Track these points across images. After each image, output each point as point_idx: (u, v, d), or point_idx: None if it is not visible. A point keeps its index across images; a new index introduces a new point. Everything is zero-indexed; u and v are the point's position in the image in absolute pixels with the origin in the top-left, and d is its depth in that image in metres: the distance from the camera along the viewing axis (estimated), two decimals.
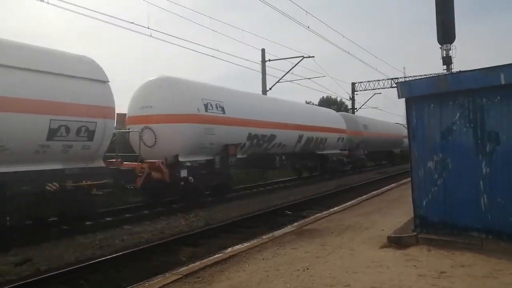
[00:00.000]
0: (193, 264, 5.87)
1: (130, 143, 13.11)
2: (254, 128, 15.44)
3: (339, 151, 24.66)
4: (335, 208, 10.43)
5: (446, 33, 28.82)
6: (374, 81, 40.90)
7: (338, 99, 57.25)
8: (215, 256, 6.19)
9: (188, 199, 13.19)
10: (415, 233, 6.47)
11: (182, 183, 12.74)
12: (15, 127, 8.06)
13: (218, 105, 13.58)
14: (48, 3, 14.12)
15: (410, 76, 37.84)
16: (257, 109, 15.86)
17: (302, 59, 27.57)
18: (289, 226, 8.40)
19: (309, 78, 30.87)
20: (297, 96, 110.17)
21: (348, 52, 41.30)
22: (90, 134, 9.50)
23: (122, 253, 7.61)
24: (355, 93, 42.64)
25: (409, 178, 6.92)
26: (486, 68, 5.94)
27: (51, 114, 8.60)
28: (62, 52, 9.60)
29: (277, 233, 7.74)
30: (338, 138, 24.03)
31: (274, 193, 16.88)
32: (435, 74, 29.60)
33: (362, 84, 41.70)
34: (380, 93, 43.16)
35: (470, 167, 6.07)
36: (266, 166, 18.61)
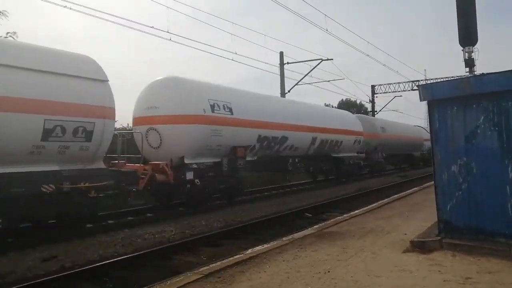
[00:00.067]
0: (214, 264, 5.91)
1: (136, 144, 12.78)
2: (264, 129, 14.89)
3: (356, 154, 23.91)
4: (356, 211, 10.34)
5: (468, 35, 27.82)
6: (394, 83, 40.49)
7: (358, 101, 56.73)
8: (235, 257, 6.21)
9: (194, 202, 12.74)
10: (439, 238, 6.36)
11: (189, 186, 12.31)
12: (7, 127, 7.73)
13: (225, 106, 13.10)
14: (70, 8, 13.89)
15: (432, 79, 37.03)
16: (267, 110, 15.31)
17: (321, 61, 27.50)
18: (309, 229, 8.38)
19: (328, 81, 31.29)
20: (316, 99, 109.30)
21: (368, 55, 40.84)
22: (88, 135, 9.13)
23: (144, 251, 7.75)
24: (375, 95, 42.27)
25: (432, 182, 6.81)
26: (510, 70, 5.70)
27: (45, 113, 8.24)
28: (58, 51, 9.28)
29: (297, 235, 7.72)
30: (355, 141, 23.28)
31: (289, 196, 16.40)
32: (458, 76, 28.77)
33: (382, 86, 41.26)
34: (401, 95, 42.22)
35: (495, 171, 5.91)
36: (278, 169, 18.03)
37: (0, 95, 7.62)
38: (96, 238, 8.98)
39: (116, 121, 11.44)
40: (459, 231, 6.23)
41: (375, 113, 42.16)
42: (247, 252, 6.49)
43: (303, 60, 28.44)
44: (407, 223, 8.40)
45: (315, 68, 27.78)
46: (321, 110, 21.31)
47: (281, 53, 27.84)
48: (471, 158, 6.09)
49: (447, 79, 28.12)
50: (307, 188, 19.89)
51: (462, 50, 30.14)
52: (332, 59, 27.66)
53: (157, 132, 12.17)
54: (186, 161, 12.16)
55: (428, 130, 31.05)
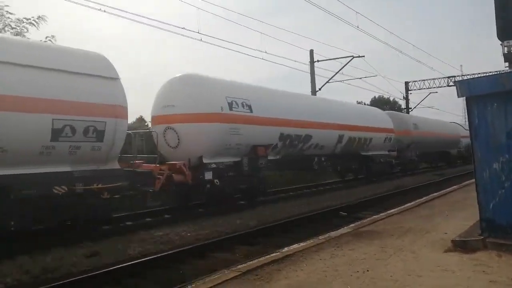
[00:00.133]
0: (250, 262, 5.93)
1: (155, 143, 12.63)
2: (287, 127, 14.39)
3: (387, 152, 22.99)
4: (393, 210, 10.15)
5: (507, 29, 26.38)
6: (429, 79, 39.36)
7: (391, 98, 55.25)
8: (272, 255, 6.21)
9: (215, 202, 12.43)
10: (482, 237, 6.13)
11: (208, 186, 12.01)
12: (14, 127, 7.62)
13: (244, 103, 12.70)
14: (104, 11, 14.95)
15: (468, 74, 35.56)
16: (289, 108, 14.78)
17: (352, 59, 27.11)
18: (345, 227, 8.28)
19: (360, 78, 30.36)
20: (347, 96, 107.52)
21: (401, 51, 39.71)
22: (99, 135, 8.95)
23: (182, 249, 7.93)
24: (409, 92, 41.20)
25: (473, 180, 6.76)
26: None
27: (53, 113, 8.09)
28: (66, 48, 9.15)
29: (334, 233, 7.66)
30: (385, 138, 22.37)
31: (317, 196, 15.94)
32: (496, 71, 27.40)
33: (416, 83, 40.23)
34: (436, 92, 40.82)
35: None
36: (303, 168, 17.49)
37: (5, 94, 7.51)
38: (138, 235, 9.23)
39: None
40: (502, 230, 6.02)
41: (410, 110, 41.04)
42: (283, 250, 6.47)
43: (334, 57, 28.01)
44: (447, 222, 8.16)
45: (347, 66, 27.51)
46: (348, 107, 20.54)
47: (311, 51, 27.80)
48: None
49: (485, 74, 26.83)
50: (335, 188, 19.26)
51: (501, 44, 28.69)
52: (363, 56, 27.34)
53: (175, 131, 11.94)
54: (205, 160, 11.87)
55: (465, 127, 29.69)
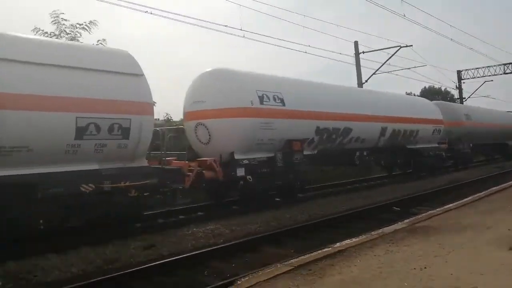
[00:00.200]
0: (302, 257, 5.91)
1: (188, 140, 12.51)
2: (323, 121, 13.74)
3: (436, 145, 21.62)
4: (450, 205, 9.82)
5: None
6: (483, 67, 37.62)
7: (443, 88, 52.72)
8: (324, 250, 6.17)
9: (248, 199, 12.09)
10: None
11: (242, 182, 11.69)
12: (39, 127, 7.65)
13: (276, 96, 12.22)
14: (151, 13, 15.50)
15: None
16: (325, 100, 14.09)
17: (399, 48, 26.32)
18: (399, 223, 8.10)
19: (408, 68, 29.32)
20: (396, 88, 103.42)
21: (451, 39, 38.00)
22: (125, 132, 8.85)
23: (233, 242, 8.12)
24: (462, 81, 39.15)
25: None
26: None
27: (77, 111, 8.06)
28: (90, 46, 9.19)
29: (387, 229, 7.48)
30: (434, 130, 21.04)
31: (361, 192, 15.36)
32: None
33: (469, 71, 38.41)
34: (492, 80, 38.43)
35: None
36: (343, 163, 16.72)
37: (30, 93, 7.55)
38: (189, 229, 9.44)
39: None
40: None
41: (464, 100, 38.89)
42: (335, 246, 6.41)
43: (380, 48, 27.52)
44: (511, 217, 7.88)
45: (394, 56, 26.76)
46: (390, 97, 19.43)
47: (356, 43, 27.32)
48: None
49: None
50: (380, 184, 18.34)
51: None
52: (411, 45, 26.35)
53: (205, 127, 11.70)
54: (236, 156, 11.54)
55: None
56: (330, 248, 6.23)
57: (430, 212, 9.21)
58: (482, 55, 49.73)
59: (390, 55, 26.60)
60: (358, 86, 26.28)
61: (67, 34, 15.75)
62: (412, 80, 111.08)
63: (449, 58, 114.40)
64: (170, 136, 11.32)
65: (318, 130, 13.66)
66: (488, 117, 28.29)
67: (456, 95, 41.06)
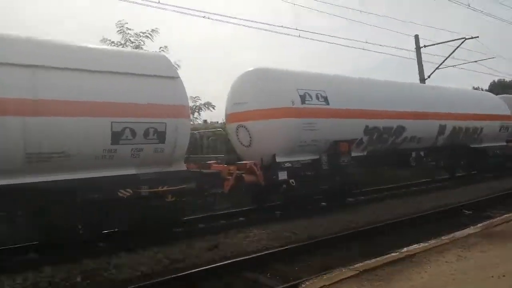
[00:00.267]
0: (368, 261, 5.77)
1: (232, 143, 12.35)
2: (373, 120, 12.94)
3: (504, 143, 19.80)
4: None
5: None
6: None
7: None
8: (391, 255, 6.04)
9: (291, 204, 11.63)
10: None
11: (285, 186, 11.25)
12: (75, 133, 7.75)
13: (319, 95, 11.65)
14: (210, 19, 16.96)
15: None
16: (374, 97, 13.26)
17: (464, 40, 24.86)
18: (471, 227, 7.81)
19: (475, 61, 27.86)
20: (462, 82, 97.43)
21: None
22: (161, 136, 8.77)
23: (295, 245, 8.09)
24: None
25: None
26: None
27: (112, 116, 8.09)
28: (125, 51, 9.20)
29: (459, 234, 7.24)
30: (501, 127, 19.29)
31: (419, 196, 14.39)
32: None
33: None
34: None
35: None
36: (396, 165, 15.71)
37: (66, 99, 7.67)
38: (250, 231, 9.44)
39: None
40: None
41: None
42: (403, 251, 6.24)
43: (443, 41, 26.25)
44: None
45: (458, 49, 25.30)
46: (449, 93, 17.98)
47: (416, 36, 26.27)
48: None
49: None
50: (440, 187, 16.95)
51: None
52: (477, 37, 24.86)
53: (246, 129, 11.42)
54: (278, 159, 11.11)
55: None
56: (397, 253, 6.04)
57: (506, 215, 8.67)
58: None
59: (454, 48, 25.34)
60: (420, 82, 25.15)
61: (132, 42, 16.61)
62: (480, 73, 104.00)
63: None
64: (211, 139, 11.16)
65: (367, 130, 12.89)
66: None
67: None
